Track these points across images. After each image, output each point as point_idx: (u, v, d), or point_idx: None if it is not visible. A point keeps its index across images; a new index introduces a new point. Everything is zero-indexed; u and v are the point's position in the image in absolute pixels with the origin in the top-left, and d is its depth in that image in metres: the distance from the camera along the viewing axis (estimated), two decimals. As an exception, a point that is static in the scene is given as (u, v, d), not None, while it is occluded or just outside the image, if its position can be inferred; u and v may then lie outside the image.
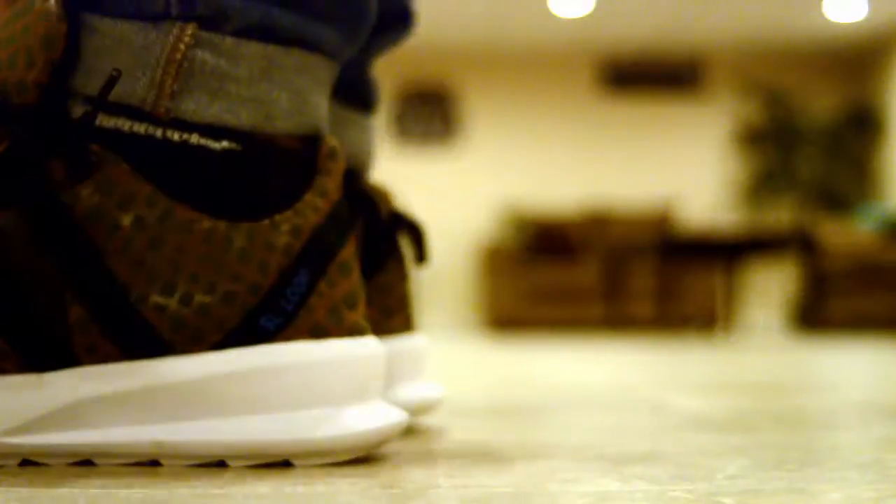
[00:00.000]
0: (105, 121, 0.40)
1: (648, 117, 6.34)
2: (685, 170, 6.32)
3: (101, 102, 0.39)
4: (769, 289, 6.16)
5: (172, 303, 0.39)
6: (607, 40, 6.09)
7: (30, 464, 0.41)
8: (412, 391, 0.55)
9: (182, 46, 0.41)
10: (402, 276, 0.56)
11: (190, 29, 0.41)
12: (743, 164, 6.25)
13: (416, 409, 0.55)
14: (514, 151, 6.29)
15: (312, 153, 0.43)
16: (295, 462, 0.40)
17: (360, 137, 0.57)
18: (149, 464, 0.41)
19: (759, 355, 1.89)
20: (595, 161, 6.32)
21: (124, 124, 0.40)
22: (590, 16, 5.67)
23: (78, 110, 0.41)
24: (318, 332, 0.41)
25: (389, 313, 0.55)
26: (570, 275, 5.64)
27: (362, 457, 0.42)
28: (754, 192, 6.16)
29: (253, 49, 0.42)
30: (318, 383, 0.40)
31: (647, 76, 6.34)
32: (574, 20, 5.74)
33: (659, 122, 6.34)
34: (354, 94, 0.57)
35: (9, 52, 0.41)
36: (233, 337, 0.40)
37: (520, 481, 0.37)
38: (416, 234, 0.57)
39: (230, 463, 0.40)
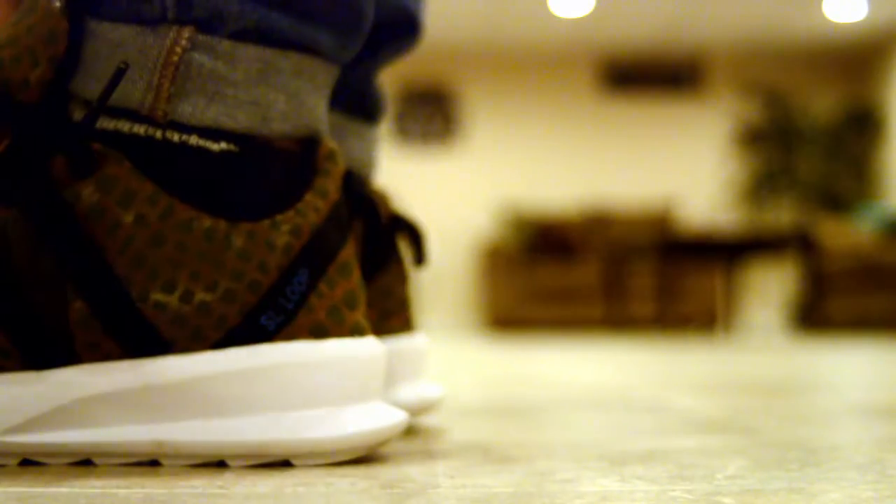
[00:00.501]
0: (105, 123, 0.40)
1: (648, 117, 6.34)
2: (685, 170, 6.32)
3: (107, 95, 0.39)
4: (769, 289, 6.16)
5: (173, 300, 0.39)
6: (607, 40, 6.09)
7: (30, 463, 0.41)
8: (412, 391, 0.55)
9: (179, 49, 0.41)
10: (402, 278, 0.56)
11: (187, 32, 0.41)
12: (743, 164, 6.25)
13: (416, 409, 0.55)
14: (514, 151, 6.30)
15: (311, 154, 0.43)
16: (295, 462, 0.40)
17: (361, 147, 0.57)
18: (149, 464, 0.41)
19: (759, 355, 1.89)
20: (595, 161, 6.32)
21: (124, 126, 0.40)
22: (590, 16, 5.67)
23: (78, 113, 0.41)
24: (319, 331, 0.41)
25: (389, 315, 0.55)
26: (570, 275, 5.64)
27: (362, 457, 0.42)
28: (754, 192, 6.16)
29: (250, 52, 0.42)
30: (318, 383, 0.40)
31: (647, 76, 6.34)
32: (574, 20, 5.74)
33: (659, 122, 6.34)
34: (358, 104, 0.57)
35: (13, 51, 0.41)
36: (233, 335, 0.40)
37: (520, 481, 0.37)
38: (414, 235, 0.57)
39: (230, 463, 0.40)
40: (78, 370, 0.40)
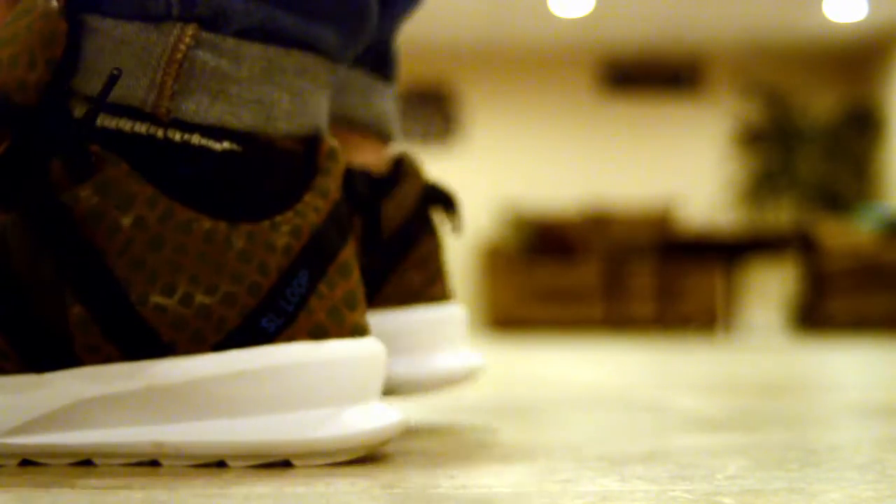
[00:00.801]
0: (106, 121, 0.40)
1: (648, 117, 6.34)
2: (685, 170, 6.32)
3: (102, 101, 0.39)
4: (769, 289, 6.15)
5: (172, 303, 0.39)
6: (607, 40, 6.09)
7: (30, 464, 0.41)
8: (456, 359, 0.56)
9: (183, 47, 0.41)
10: (438, 247, 0.57)
11: (191, 30, 0.41)
12: (743, 164, 6.25)
13: (461, 377, 0.56)
14: (514, 151, 6.29)
15: (312, 153, 0.43)
16: (295, 462, 0.40)
17: (387, 105, 0.59)
18: (149, 464, 0.41)
19: (759, 355, 1.89)
20: (595, 161, 6.32)
21: (125, 125, 0.40)
22: (590, 16, 5.67)
23: (79, 111, 0.41)
24: (319, 332, 0.41)
25: (430, 282, 0.57)
26: (570, 275, 5.64)
27: (362, 457, 0.42)
28: (754, 192, 6.15)
29: (254, 50, 0.42)
30: (318, 384, 0.40)
31: (647, 76, 6.34)
32: (574, 20, 5.74)
33: (659, 122, 6.34)
34: (382, 64, 0.58)
35: (11, 51, 0.41)
36: (233, 337, 0.40)
37: (520, 481, 0.37)
38: (448, 205, 0.59)
39: (230, 463, 0.40)
40: (77, 373, 0.40)
